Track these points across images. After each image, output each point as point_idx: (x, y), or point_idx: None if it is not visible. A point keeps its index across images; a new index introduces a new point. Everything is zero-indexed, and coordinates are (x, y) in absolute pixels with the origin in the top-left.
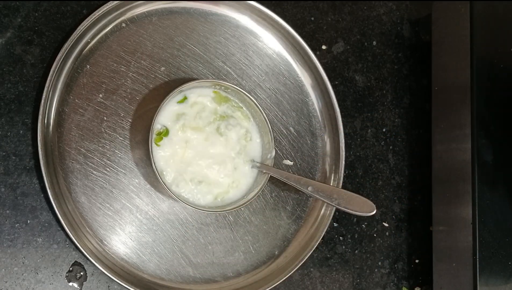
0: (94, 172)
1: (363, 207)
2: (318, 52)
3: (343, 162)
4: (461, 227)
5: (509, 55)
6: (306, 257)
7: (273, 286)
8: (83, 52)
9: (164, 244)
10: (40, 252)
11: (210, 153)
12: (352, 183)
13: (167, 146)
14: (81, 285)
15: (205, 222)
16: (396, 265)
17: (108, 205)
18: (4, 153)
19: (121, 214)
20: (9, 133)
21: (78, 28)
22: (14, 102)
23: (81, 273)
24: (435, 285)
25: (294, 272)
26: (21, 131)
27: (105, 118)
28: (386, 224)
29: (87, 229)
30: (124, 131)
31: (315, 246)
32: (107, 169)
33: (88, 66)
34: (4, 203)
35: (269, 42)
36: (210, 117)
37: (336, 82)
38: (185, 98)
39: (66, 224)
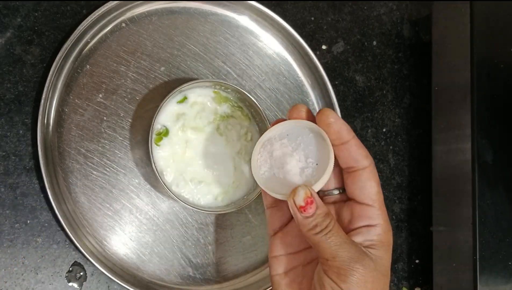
0: (94, 172)
1: None
2: (318, 52)
3: None
4: (461, 227)
5: (509, 55)
6: None
7: None
8: (83, 52)
9: (164, 244)
10: (40, 252)
11: (210, 153)
12: None
13: (167, 146)
14: (81, 285)
15: (205, 222)
16: (396, 265)
17: (108, 205)
18: (4, 153)
19: (121, 214)
20: (9, 133)
21: (78, 28)
22: (14, 102)
23: (81, 273)
24: (435, 285)
25: None
26: (21, 131)
27: (105, 118)
28: None
29: (87, 229)
30: (124, 131)
31: None
32: (107, 169)
33: (88, 66)
34: (4, 203)
35: (269, 42)
36: (210, 117)
37: (336, 82)
38: (185, 98)
39: (66, 224)
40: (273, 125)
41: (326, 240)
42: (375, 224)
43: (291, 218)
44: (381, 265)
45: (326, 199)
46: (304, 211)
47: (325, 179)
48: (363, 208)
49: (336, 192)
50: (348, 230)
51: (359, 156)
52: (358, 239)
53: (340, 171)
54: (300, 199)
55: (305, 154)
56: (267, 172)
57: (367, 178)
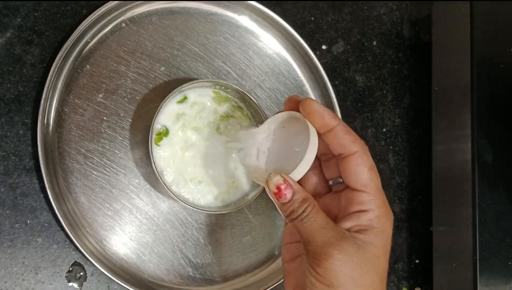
0: (94, 172)
1: None
2: (318, 52)
3: None
4: (461, 227)
5: (509, 55)
6: None
7: (273, 286)
8: (83, 52)
9: (164, 244)
10: (40, 252)
11: (210, 153)
12: None
13: (167, 146)
14: (81, 285)
15: (205, 222)
16: (396, 265)
17: (108, 205)
18: (4, 153)
19: (121, 214)
20: (9, 133)
21: (78, 28)
22: (14, 102)
23: (81, 273)
24: (435, 285)
25: None
26: (21, 131)
27: (105, 118)
28: None
29: (87, 229)
30: (124, 131)
31: None
32: (107, 169)
33: (88, 66)
34: (4, 203)
35: (269, 42)
36: (210, 117)
37: (336, 82)
38: (185, 98)
39: (66, 224)
40: (273, 116)
41: (303, 225)
42: (366, 209)
43: None
44: (368, 251)
45: (334, 188)
46: (279, 197)
47: (303, 167)
48: (355, 194)
49: (341, 180)
50: (342, 216)
51: (345, 142)
52: (347, 224)
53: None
54: (272, 186)
55: (292, 144)
56: (258, 161)
57: (356, 164)
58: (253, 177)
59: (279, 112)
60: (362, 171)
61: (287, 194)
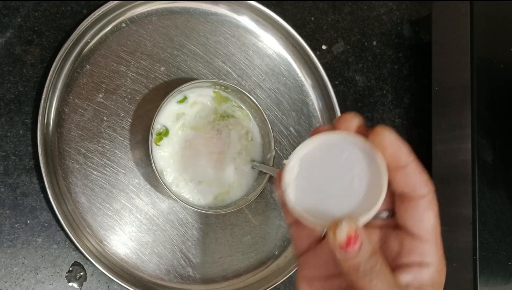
0: (94, 172)
1: None
2: (318, 52)
3: None
4: (461, 227)
5: (509, 55)
6: None
7: (273, 286)
8: (83, 52)
9: (164, 244)
10: (40, 252)
11: (210, 153)
12: None
13: (167, 146)
14: (81, 285)
15: (205, 222)
16: None
17: (108, 205)
18: (4, 153)
19: (121, 214)
20: (9, 133)
21: (78, 28)
22: (14, 102)
23: (81, 273)
24: None
25: (294, 272)
26: (21, 131)
27: (105, 118)
28: None
29: (87, 229)
30: (124, 131)
31: None
32: (107, 169)
33: (88, 66)
34: (4, 203)
35: (269, 42)
36: (210, 117)
37: (336, 82)
38: (185, 98)
39: (66, 224)
40: (312, 134)
41: (368, 283)
42: (428, 262)
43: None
44: None
45: (372, 222)
46: (346, 249)
47: (374, 212)
48: (415, 241)
49: (385, 215)
50: (395, 264)
51: (417, 183)
52: (407, 277)
53: (392, 191)
54: (342, 235)
55: (350, 177)
56: (301, 193)
57: (425, 209)
58: (303, 213)
59: (329, 129)
60: (430, 217)
61: (356, 246)
